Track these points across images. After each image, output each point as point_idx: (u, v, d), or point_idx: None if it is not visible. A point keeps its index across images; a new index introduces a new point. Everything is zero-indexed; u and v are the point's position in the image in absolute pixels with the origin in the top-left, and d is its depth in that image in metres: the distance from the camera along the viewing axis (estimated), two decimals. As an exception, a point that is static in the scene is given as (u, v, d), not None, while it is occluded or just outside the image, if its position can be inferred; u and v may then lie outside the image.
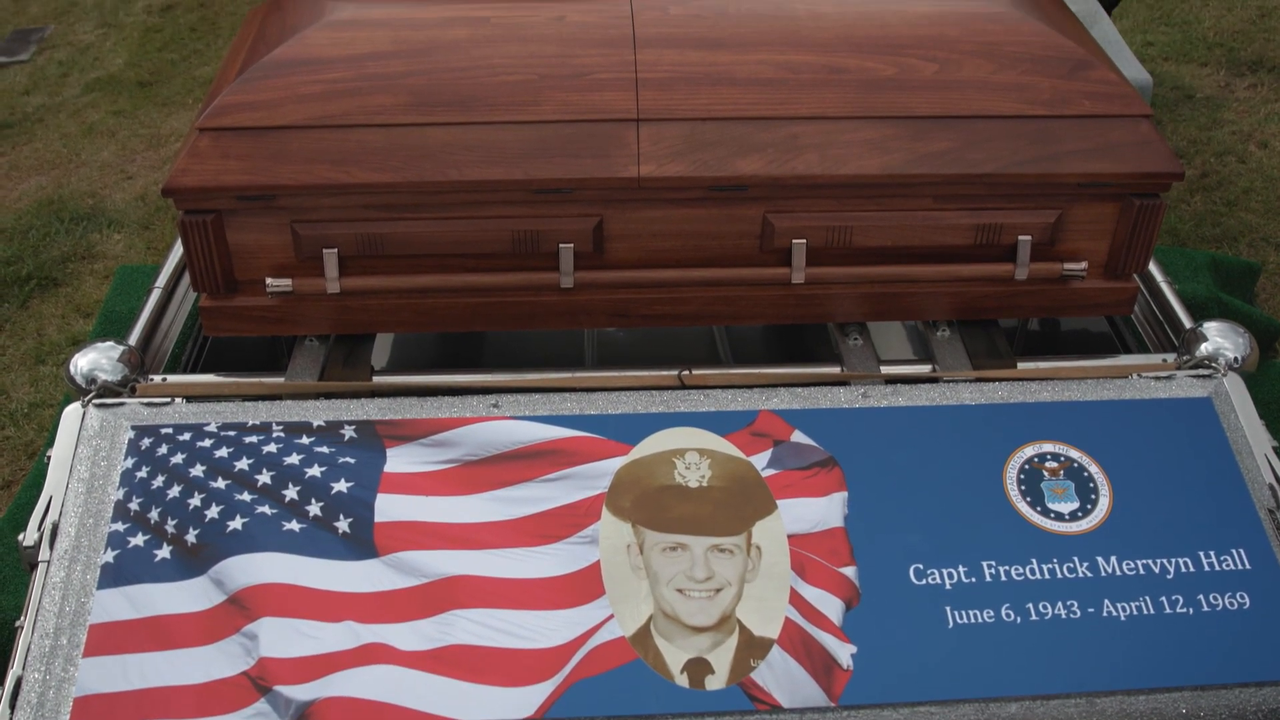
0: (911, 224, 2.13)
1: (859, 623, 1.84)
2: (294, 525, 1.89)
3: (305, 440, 1.99)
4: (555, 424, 2.02)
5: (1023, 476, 2.00)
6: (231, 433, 2.00)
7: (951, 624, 1.84)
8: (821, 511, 1.94)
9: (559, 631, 1.80)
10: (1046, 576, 1.89)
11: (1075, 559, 1.91)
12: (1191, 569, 1.91)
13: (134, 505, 1.91)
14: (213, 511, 1.90)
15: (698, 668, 1.78)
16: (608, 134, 2.06)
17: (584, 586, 1.85)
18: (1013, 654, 1.82)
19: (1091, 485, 1.99)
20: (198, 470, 1.95)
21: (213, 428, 2.01)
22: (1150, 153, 2.10)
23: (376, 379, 2.18)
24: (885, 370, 2.21)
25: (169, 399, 2.06)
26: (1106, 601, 1.87)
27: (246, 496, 1.92)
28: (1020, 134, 2.10)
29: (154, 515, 1.90)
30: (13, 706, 1.73)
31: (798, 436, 2.03)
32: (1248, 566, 1.92)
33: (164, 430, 2.01)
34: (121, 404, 2.05)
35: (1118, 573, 1.90)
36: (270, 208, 2.06)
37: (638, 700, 1.75)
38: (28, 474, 3.54)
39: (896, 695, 1.78)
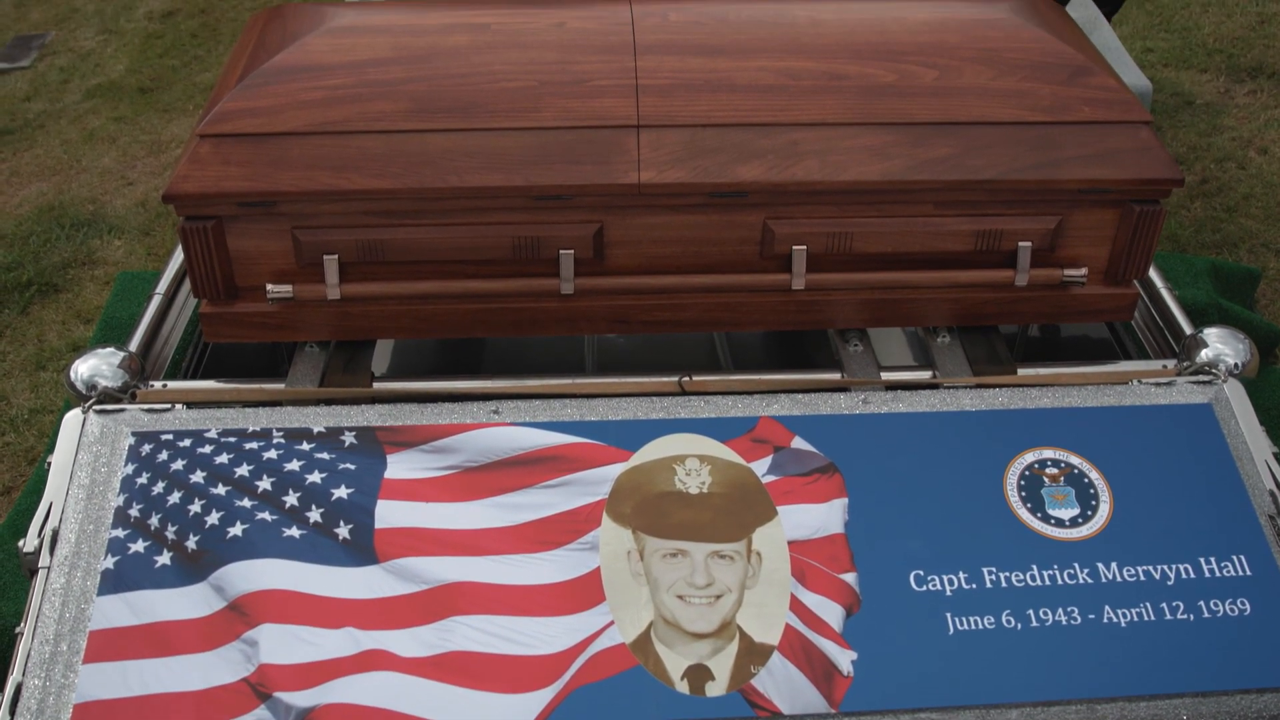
0: (912, 230, 2.13)
1: (859, 629, 1.84)
2: (294, 531, 1.89)
3: (305, 446, 1.99)
4: (556, 430, 2.02)
5: (1023, 483, 2.00)
6: (232, 439, 2.00)
7: (952, 630, 1.84)
8: (822, 518, 1.94)
9: (559, 638, 1.80)
10: (1047, 583, 1.89)
11: (1076, 565, 1.91)
12: (1192, 575, 1.91)
13: (134, 511, 1.91)
14: (213, 518, 1.90)
15: (698, 674, 1.78)
16: (608, 140, 2.06)
17: (584, 593, 1.85)
18: (1013, 660, 1.82)
19: (1092, 491, 1.99)
20: (198, 476, 1.95)
21: (213, 434, 2.01)
22: (1150, 159, 2.11)
23: (377, 385, 2.18)
24: (885, 376, 2.21)
25: (169, 405, 2.06)
26: (1107, 608, 1.87)
27: (247, 503, 1.92)
28: (1020, 140, 2.10)
29: (154, 521, 1.90)
30: (13, 713, 1.73)
31: (798, 443, 2.03)
32: (1248, 573, 1.92)
33: (164, 436, 2.01)
34: (122, 410, 2.05)
35: (1118, 579, 1.90)
36: (271, 214, 2.06)
37: (638, 707, 1.75)
38: (28, 480, 3.54)
39: (897, 702, 1.78)
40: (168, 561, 1.86)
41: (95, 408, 2.04)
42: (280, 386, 2.17)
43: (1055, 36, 2.21)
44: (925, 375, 2.22)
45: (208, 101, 2.13)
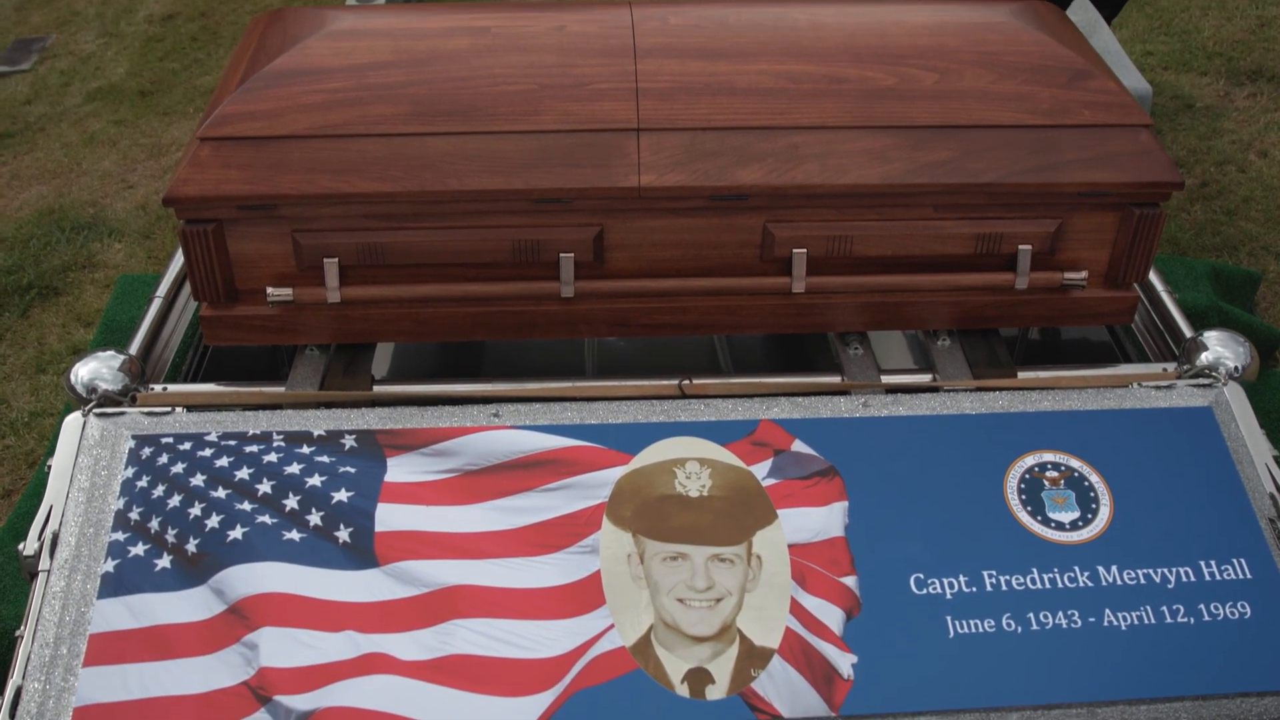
0: (912, 233, 2.13)
1: (860, 632, 1.83)
2: (294, 535, 1.89)
3: (306, 450, 2.00)
4: (556, 433, 2.02)
5: (1023, 486, 2.00)
6: (232, 442, 2.00)
7: (952, 634, 1.84)
8: (822, 521, 1.94)
9: (559, 641, 1.80)
10: (1047, 586, 1.89)
11: (1076, 568, 1.91)
12: (1192, 578, 1.91)
13: (134, 515, 1.91)
14: (213, 521, 1.90)
15: (698, 677, 1.78)
16: (608, 144, 2.06)
17: (584, 596, 1.85)
18: (1013, 664, 1.82)
19: (1092, 495, 1.99)
20: (198, 480, 1.95)
21: (213, 437, 2.01)
22: (1150, 162, 2.11)
23: (377, 388, 2.18)
24: (885, 379, 2.21)
25: (169, 408, 2.06)
26: (1107, 611, 1.87)
27: (247, 506, 1.92)
28: (1020, 143, 2.10)
29: (154, 525, 1.90)
30: (13, 716, 1.72)
31: (798, 446, 2.03)
32: (1249, 576, 1.92)
33: (164, 440, 2.01)
34: (122, 413, 2.05)
35: (1118, 582, 1.90)
36: (271, 217, 2.06)
37: (638, 710, 1.75)
38: (28, 483, 3.54)
39: (897, 705, 1.78)
40: (168, 565, 1.86)
41: (95, 411, 2.04)
42: (280, 390, 2.17)
43: (1055, 40, 2.21)
44: (925, 378, 2.22)
45: (208, 105, 2.13)
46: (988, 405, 2.10)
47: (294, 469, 1.97)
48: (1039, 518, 1.96)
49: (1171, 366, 2.24)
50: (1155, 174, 2.10)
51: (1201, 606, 1.88)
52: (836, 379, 2.21)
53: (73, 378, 2.13)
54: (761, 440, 2.03)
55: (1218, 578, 1.91)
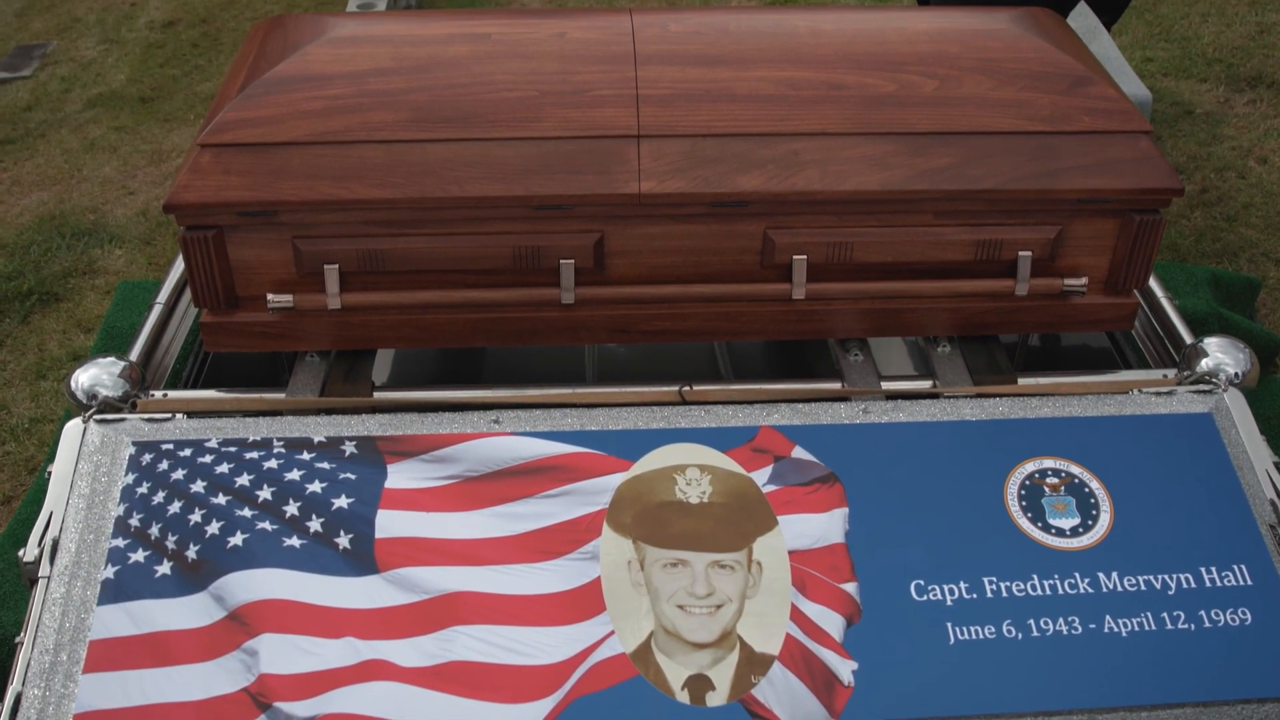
0: (912, 240, 2.13)
1: (860, 639, 1.83)
2: (294, 541, 1.89)
3: (306, 456, 1.99)
4: (556, 440, 2.02)
5: (1023, 492, 2.00)
6: (232, 448, 2.00)
7: (953, 640, 1.84)
8: (822, 527, 1.94)
9: (559, 648, 1.80)
10: (1048, 592, 1.89)
11: (1076, 575, 1.91)
12: (1193, 585, 1.91)
13: (134, 521, 1.91)
14: (213, 527, 1.90)
15: (698, 684, 1.78)
16: (608, 150, 2.06)
17: (585, 603, 1.85)
18: (1014, 670, 1.81)
19: (1092, 501, 1.99)
20: (198, 486, 1.95)
21: (213, 443, 2.01)
22: (1150, 169, 2.11)
23: (377, 395, 2.18)
24: (886, 386, 2.21)
25: (170, 415, 2.06)
26: (1108, 617, 1.87)
27: (247, 512, 1.92)
28: (1020, 150, 2.10)
29: (154, 531, 1.90)
30: (12, 723, 1.73)
31: (798, 452, 2.03)
32: (1249, 582, 1.91)
33: (165, 446, 2.01)
34: (122, 420, 2.05)
35: (1119, 588, 1.90)
36: (271, 223, 2.06)
37: (638, 717, 1.75)
38: (28, 489, 3.54)
39: (898, 711, 1.77)
40: (168, 571, 1.86)
41: (96, 417, 2.04)
42: (281, 396, 2.18)
43: (1055, 46, 2.21)
44: (925, 385, 2.22)
45: (209, 111, 2.13)
46: (988, 411, 2.10)
47: (294, 475, 1.97)
48: (1039, 524, 1.96)
49: (1172, 373, 2.24)
50: (1155, 180, 2.10)
51: (1202, 613, 1.88)
52: (837, 385, 2.21)
53: (73, 384, 2.13)
54: (762, 447, 2.03)
55: (1218, 584, 1.91)
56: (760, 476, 1.99)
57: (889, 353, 2.94)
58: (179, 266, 2.51)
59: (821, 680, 1.79)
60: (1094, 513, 1.98)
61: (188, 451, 2.00)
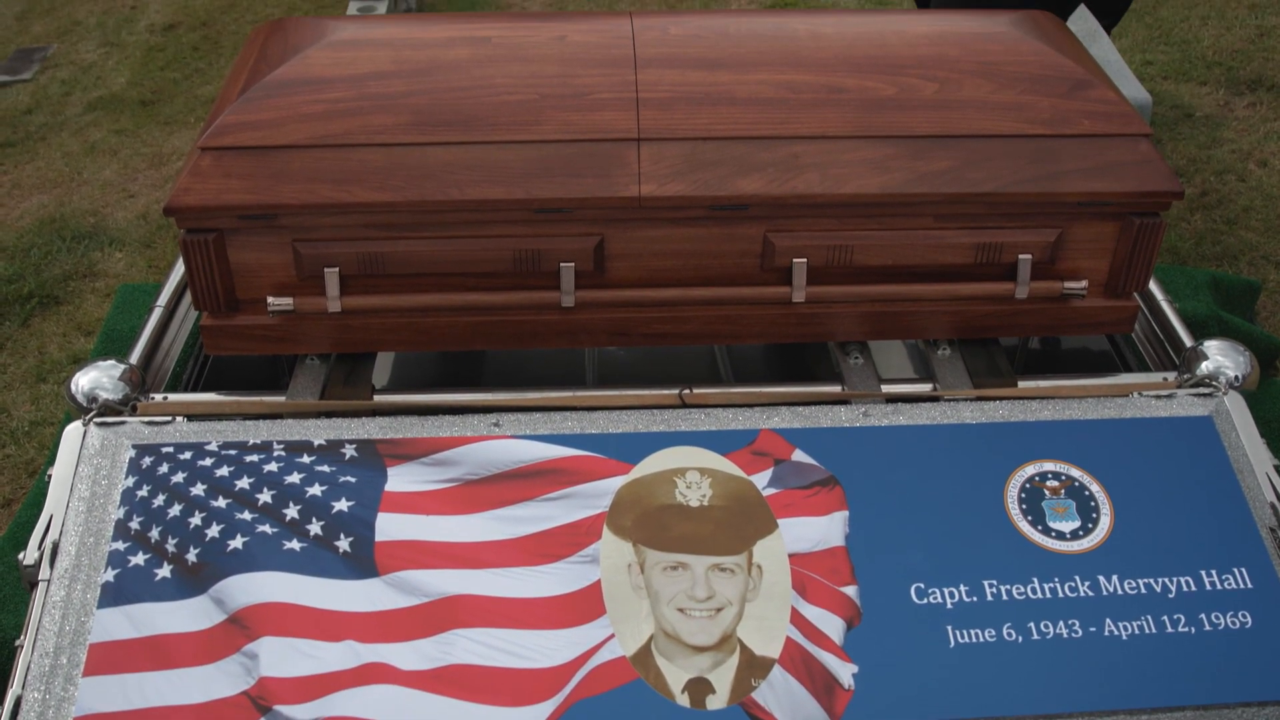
0: (912, 243, 2.13)
1: (860, 642, 1.83)
2: (294, 544, 1.89)
3: (306, 459, 1.99)
4: (556, 443, 2.02)
5: (1024, 495, 2.00)
6: (232, 451, 2.00)
7: (953, 643, 1.84)
8: (822, 530, 1.94)
9: (560, 651, 1.80)
10: (1048, 596, 1.89)
11: (1076, 578, 1.91)
12: (1193, 588, 1.91)
13: (134, 524, 1.91)
14: (213, 530, 1.90)
15: (699, 687, 1.78)
16: (609, 153, 2.06)
17: (585, 606, 1.84)
18: (1014, 673, 1.81)
19: (1093, 504, 1.99)
20: (198, 489, 1.95)
21: (213, 446, 2.01)
22: (1150, 172, 2.11)
23: (377, 398, 2.18)
24: (886, 389, 2.21)
25: (170, 418, 2.06)
26: (1108, 621, 1.87)
27: (247, 515, 1.92)
28: (1020, 153, 2.10)
29: (154, 534, 1.90)
30: (12, 726, 1.73)
31: (798, 455, 2.03)
32: (1249, 585, 1.91)
33: (165, 449, 2.01)
34: (122, 423, 2.05)
35: (1119, 592, 1.90)
36: (272, 227, 2.06)
37: (639, 720, 1.75)
38: (28, 492, 3.54)
39: (898, 715, 1.77)
40: (168, 574, 1.86)
41: (96, 420, 2.04)
42: (281, 399, 2.18)
43: (1055, 50, 2.22)
44: (926, 388, 2.22)
45: (209, 114, 2.13)
46: (988, 415, 2.10)
47: (294, 478, 1.97)
48: (1039, 527, 1.96)
49: (1172, 376, 2.24)
50: (1155, 183, 2.10)
51: (1202, 616, 1.88)
52: (837, 388, 2.21)
53: (73, 387, 2.13)
54: (762, 450, 2.03)
55: (1218, 587, 1.91)
56: (760, 479, 1.99)
57: (889, 356, 2.94)
58: (179, 269, 2.51)
59: (822, 683, 1.79)
60: (1094, 516, 1.98)
61: (188, 454, 2.00)
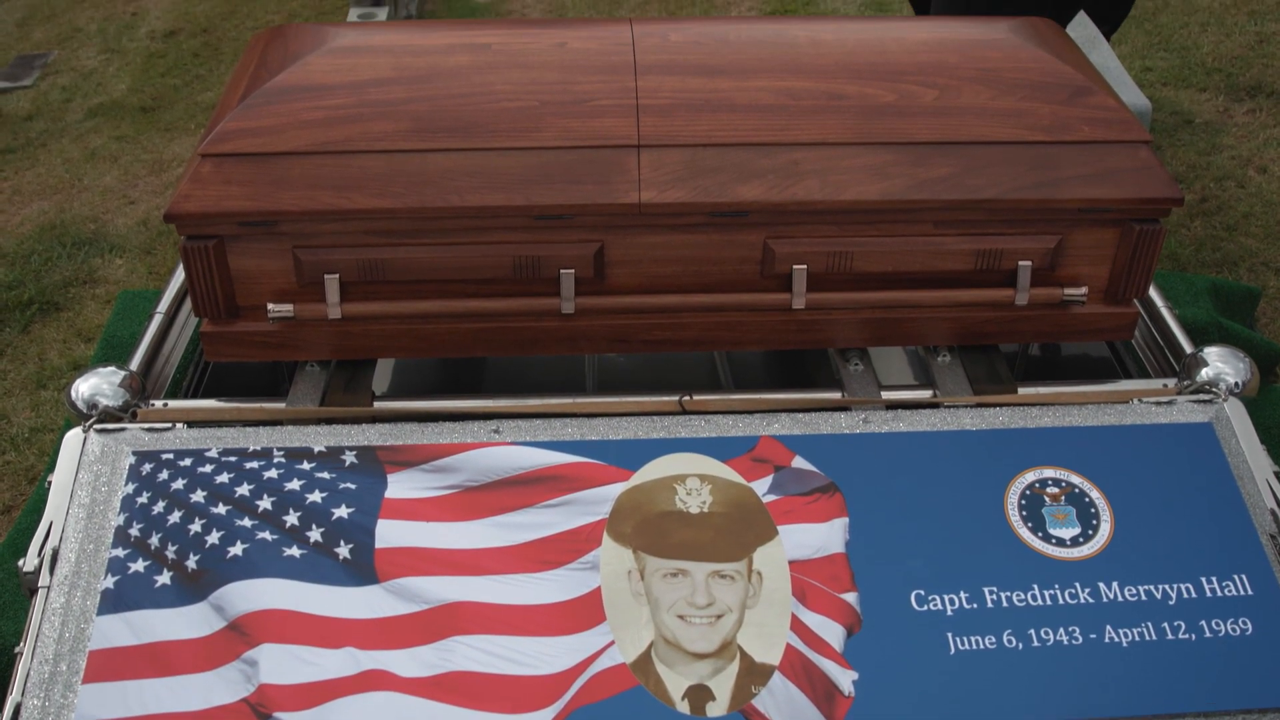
0: (912, 249, 2.13)
1: (860, 649, 1.83)
2: (294, 551, 1.89)
3: (306, 466, 1.99)
4: (556, 450, 2.02)
5: (1024, 502, 1.99)
6: (232, 458, 2.00)
7: (953, 650, 1.84)
8: (823, 537, 1.94)
9: (560, 658, 1.80)
10: (1048, 602, 1.89)
11: (1077, 585, 1.91)
12: (1193, 594, 1.91)
13: (134, 531, 1.91)
14: (213, 537, 1.90)
15: (699, 694, 1.78)
16: (609, 160, 2.07)
17: (585, 612, 1.84)
18: (1014, 680, 1.81)
19: (1093, 511, 1.99)
20: (198, 496, 1.95)
21: (214, 453, 2.01)
22: (1149, 178, 2.11)
23: (377, 404, 2.18)
24: (886, 395, 2.21)
25: (170, 424, 2.06)
26: (1108, 627, 1.87)
27: (247, 522, 1.92)
28: (1020, 160, 2.11)
29: (154, 541, 1.90)
30: (12, 733, 1.73)
31: (799, 462, 2.02)
32: (1249, 592, 1.91)
33: (165, 456, 2.01)
34: (122, 429, 2.05)
35: (1119, 598, 1.90)
36: (272, 233, 2.06)
37: (639, 727, 1.75)
38: (28, 499, 3.54)
39: (898, 722, 1.77)
40: (168, 581, 1.86)
41: (96, 427, 2.04)
42: (281, 406, 2.17)
43: (1054, 56, 2.22)
44: (926, 394, 2.22)
45: (209, 121, 2.13)
46: (988, 421, 2.10)
47: (294, 485, 1.97)
48: (1040, 534, 1.96)
49: (1172, 382, 2.24)
50: (1155, 190, 2.10)
51: (1203, 623, 1.88)
52: (837, 395, 2.21)
53: (73, 393, 2.13)
54: (762, 456, 2.03)
55: (1219, 594, 1.91)
56: (760, 486, 1.99)
57: (889, 362, 2.94)
58: (179, 276, 2.51)
59: (822, 690, 1.79)
60: (1094, 522, 1.98)
61: (188, 461, 2.00)
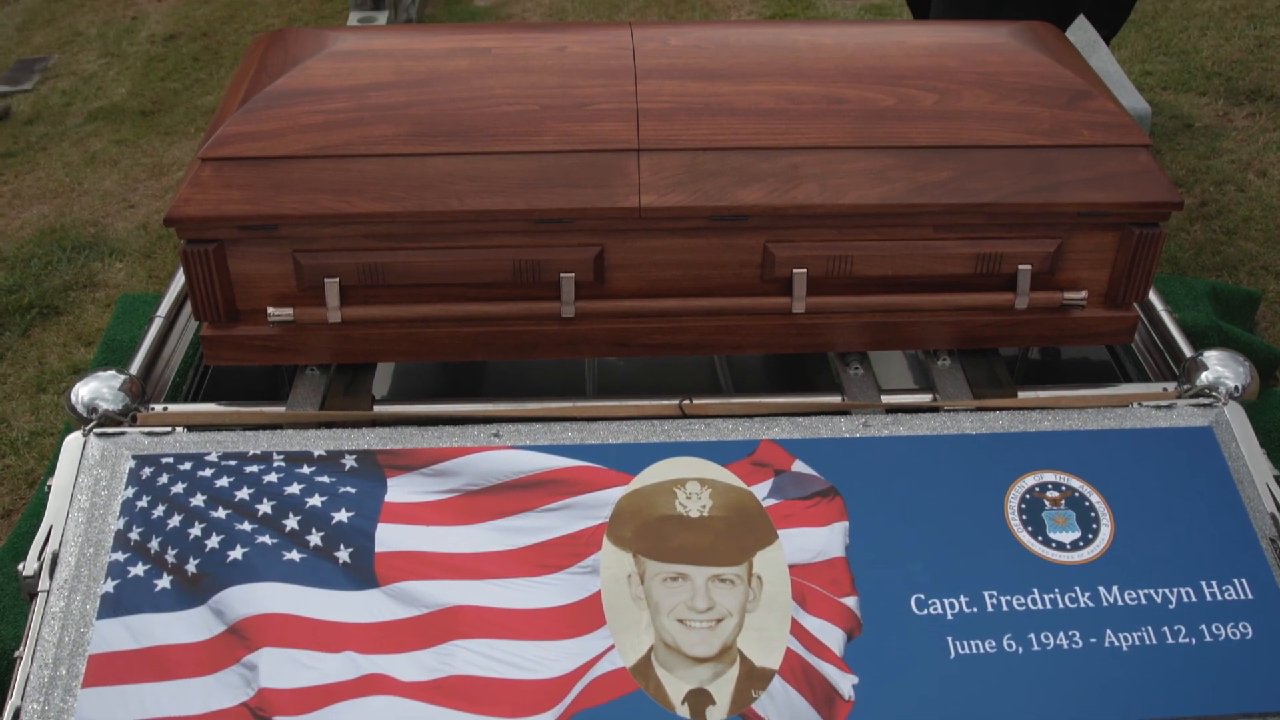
0: (912, 253, 2.13)
1: (860, 653, 1.83)
2: (294, 555, 1.89)
3: (306, 470, 1.99)
4: (556, 453, 2.02)
5: (1024, 506, 1.99)
6: (232, 462, 2.00)
7: (953, 654, 1.84)
8: (822, 541, 1.94)
9: (560, 662, 1.80)
10: (1048, 606, 1.89)
11: (1077, 589, 1.91)
12: (1193, 599, 1.91)
13: (134, 535, 1.91)
14: (213, 541, 1.90)
15: (699, 698, 1.78)
16: (608, 164, 2.07)
17: (585, 617, 1.84)
18: (1015, 684, 1.81)
19: (1093, 515, 1.99)
20: (198, 500, 1.95)
21: (213, 457, 2.01)
22: (1149, 182, 2.11)
23: (377, 408, 2.18)
24: (886, 399, 2.21)
25: (170, 428, 2.06)
26: (1108, 631, 1.87)
27: (247, 526, 1.92)
28: (1020, 164, 2.11)
29: (154, 545, 1.90)
30: (11, 737, 1.72)
31: (799, 466, 2.02)
32: (1250, 596, 1.91)
33: (165, 460, 2.01)
34: (122, 433, 2.05)
35: (1119, 602, 1.90)
36: (272, 237, 2.06)
37: (639, 731, 1.75)
38: (28, 503, 3.54)
39: (898, 726, 1.77)
40: (167, 585, 1.86)
41: (96, 431, 2.04)
42: (281, 410, 2.17)
43: (1054, 60, 2.22)
44: (926, 398, 2.22)
45: (209, 125, 2.13)
46: (988, 425, 2.10)
47: (294, 489, 1.97)
48: (1040, 538, 1.96)
49: (1172, 386, 2.24)
50: (1155, 194, 2.11)
51: (1203, 627, 1.88)
52: (837, 399, 2.21)
53: (73, 397, 2.13)
54: (762, 460, 2.03)
55: (1219, 598, 1.91)
56: (760, 490, 1.99)
57: (889, 366, 2.94)
58: (179, 280, 2.51)
59: (822, 694, 1.79)
60: (1094, 526, 1.98)
61: (188, 465, 2.00)
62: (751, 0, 7.43)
